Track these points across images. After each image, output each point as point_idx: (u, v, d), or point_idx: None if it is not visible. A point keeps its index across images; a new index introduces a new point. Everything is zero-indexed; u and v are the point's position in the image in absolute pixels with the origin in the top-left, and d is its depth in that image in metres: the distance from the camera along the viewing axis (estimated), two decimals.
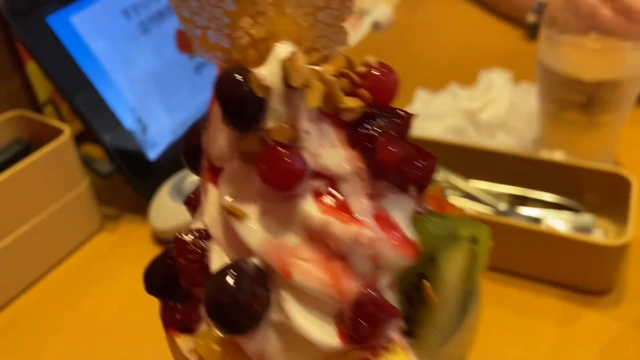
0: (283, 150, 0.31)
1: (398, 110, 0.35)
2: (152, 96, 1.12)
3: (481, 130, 1.13)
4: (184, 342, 0.38)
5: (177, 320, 0.38)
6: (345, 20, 0.34)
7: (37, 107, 1.14)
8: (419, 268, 0.35)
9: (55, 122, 1.01)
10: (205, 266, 0.36)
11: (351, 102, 0.33)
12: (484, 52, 1.54)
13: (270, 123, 0.33)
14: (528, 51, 1.24)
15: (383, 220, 0.34)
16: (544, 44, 0.99)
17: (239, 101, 0.31)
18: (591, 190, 0.95)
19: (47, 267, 0.98)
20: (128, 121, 1.05)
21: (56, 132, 0.99)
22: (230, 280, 0.32)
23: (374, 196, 0.34)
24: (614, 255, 0.83)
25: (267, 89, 0.32)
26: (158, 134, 1.11)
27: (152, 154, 1.09)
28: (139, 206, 1.09)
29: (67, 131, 0.97)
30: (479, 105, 1.13)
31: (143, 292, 0.95)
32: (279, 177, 0.31)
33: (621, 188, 0.90)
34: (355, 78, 0.34)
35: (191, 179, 1.05)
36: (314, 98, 0.32)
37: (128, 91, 1.08)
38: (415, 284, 0.36)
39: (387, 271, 0.35)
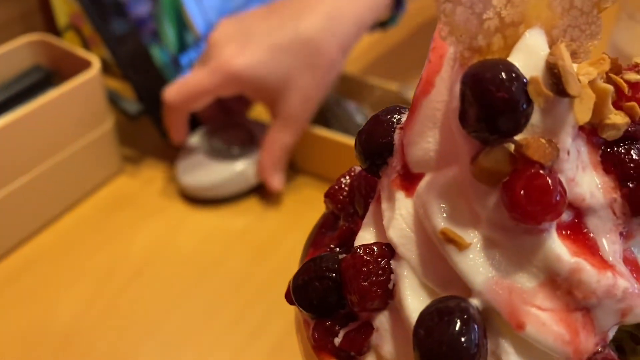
0: (547, 176, 0.25)
1: None
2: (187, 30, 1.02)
3: None
4: None
5: (333, 345, 0.32)
6: (603, 9, 0.27)
7: (56, 32, 1.02)
8: None
9: (81, 52, 0.90)
10: (388, 291, 0.30)
11: (617, 118, 0.26)
12: None
13: (521, 135, 0.26)
14: None
15: (631, 266, 0.28)
16: (619, 23, 0.93)
17: (506, 108, 0.24)
18: None
19: (61, 209, 0.90)
20: (161, 55, 0.95)
21: (80, 63, 0.88)
22: (458, 328, 0.25)
23: (623, 235, 0.28)
24: None
25: (546, 97, 0.25)
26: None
27: None
28: (164, 152, 1.01)
29: (96, 63, 0.87)
30: None
31: (166, 246, 0.90)
32: (539, 208, 0.25)
33: None
34: (625, 87, 0.27)
35: (227, 132, 0.97)
36: (584, 110, 0.25)
37: (166, 22, 0.98)
38: (633, 335, 0.30)
39: (622, 326, 0.29)
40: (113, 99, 0.93)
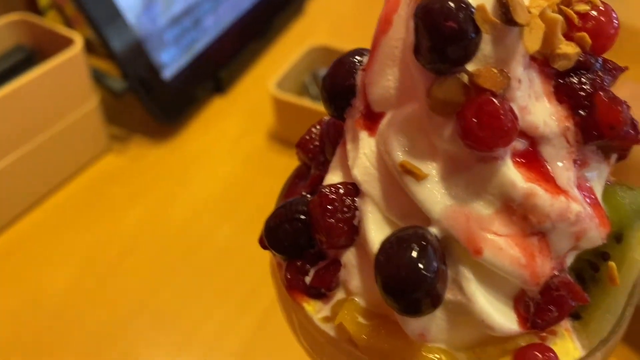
0: (498, 102, 0.25)
1: (608, 61, 0.29)
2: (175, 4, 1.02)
3: None
4: (314, 309, 0.33)
5: (305, 284, 0.33)
6: None
7: (37, 12, 1.02)
8: (601, 246, 0.31)
9: (63, 30, 0.90)
10: (353, 227, 0.31)
11: (568, 48, 0.27)
12: None
13: (474, 65, 0.27)
14: None
15: (585, 192, 0.29)
16: None
17: (455, 36, 0.25)
18: None
19: (49, 188, 0.90)
20: (143, 33, 0.95)
21: (63, 41, 0.88)
22: (415, 253, 0.26)
23: (577, 163, 0.29)
24: None
25: (494, 25, 0.25)
26: (174, 51, 1.02)
27: (167, 73, 1.00)
28: (152, 130, 1.01)
29: (79, 41, 0.87)
30: None
31: (155, 222, 0.91)
32: (491, 134, 0.25)
33: None
34: (575, 18, 0.28)
35: None
36: (534, 40, 0.26)
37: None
38: (593, 263, 0.31)
39: (579, 250, 0.30)
40: (98, 77, 0.93)
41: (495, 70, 0.26)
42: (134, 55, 0.94)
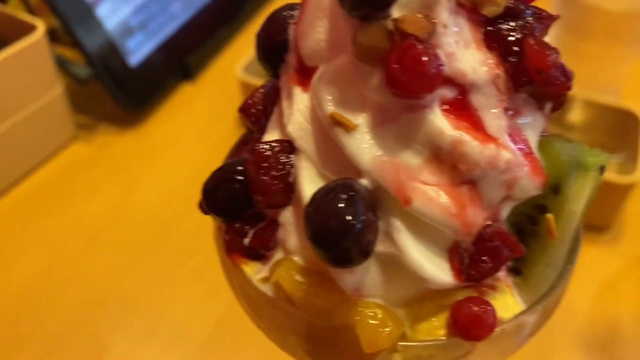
0: (421, 47, 0.25)
1: (539, 9, 0.29)
2: None
3: None
4: (253, 270, 0.32)
5: (244, 246, 0.32)
6: None
7: None
8: (538, 199, 0.30)
9: (25, 16, 0.89)
10: (289, 185, 0.30)
11: None
12: None
13: (399, 11, 0.26)
14: None
15: (518, 141, 0.29)
16: None
17: None
18: (598, 125, 0.93)
19: (15, 177, 0.89)
20: (108, 20, 0.94)
21: (26, 28, 0.87)
22: (343, 202, 0.26)
23: (509, 111, 0.29)
24: (620, 193, 0.82)
25: None
26: (141, 38, 1.01)
27: (133, 60, 0.99)
28: (118, 117, 1.00)
29: (41, 27, 0.86)
30: None
31: (123, 209, 0.90)
32: (414, 80, 0.25)
33: (630, 125, 0.88)
34: None
35: None
36: None
37: None
38: (531, 216, 0.31)
39: (512, 201, 0.30)
40: (62, 64, 0.92)
41: (419, 16, 0.26)
42: (99, 42, 0.93)
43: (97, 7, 0.93)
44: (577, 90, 0.96)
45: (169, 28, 1.05)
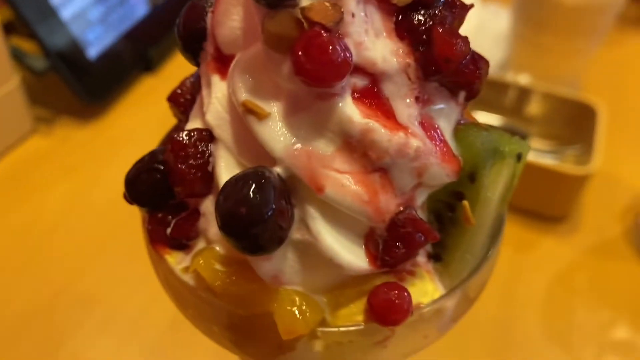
0: (327, 35, 0.25)
1: None
2: None
3: None
4: (176, 260, 0.32)
5: (167, 236, 0.32)
6: None
7: None
8: (455, 186, 0.31)
9: None
10: (208, 174, 0.30)
11: None
12: None
13: (310, 1, 0.26)
14: None
15: (429, 129, 0.29)
16: None
17: None
18: (556, 117, 0.94)
19: None
20: (66, 11, 0.93)
21: None
22: (253, 190, 0.26)
23: (421, 100, 0.29)
24: (576, 184, 0.84)
25: None
26: (100, 30, 0.99)
27: (92, 52, 0.98)
28: (77, 111, 0.99)
29: None
30: None
31: (81, 202, 0.89)
32: (321, 68, 0.25)
33: (586, 116, 0.90)
34: None
35: None
36: None
37: None
38: (449, 204, 0.31)
39: (426, 188, 0.30)
40: (18, 56, 0.91)
41: (327, 4, 0.26)
42: (56, 33, 0.92)
43: (56, 2, 0.92)
44: (536, 83, 0.98)
45: (130, 20, 1.04)
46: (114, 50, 1.01)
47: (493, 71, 1.07)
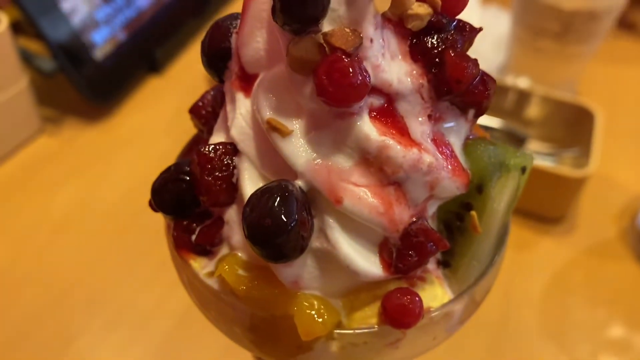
0: (347, 60, 0.27)
1: (463, 22, 0.31)
2: None
3: None
4: (200, 265, 0.34)
5: (191, 242, 0.34)
6: None
7: None
8: (464, 197, 0.33)
9: None
10: (232, 185, 0.32)
11: (420, 9, 0.29)
12: None
13: (329, 26, 0.28)
14: None
15: (441, 145, 0.31)
16: None
17: None
18: (554, 120, 0.96)
19: None
20: (73, 13, 0.94)
21: None
22: (278, 203, 0.28)
23: (433, 118, 0.31)
24: (573, 186, 0.85)
25: None
26: (107, 31, 1.01)
27: (99, 53, 0.99)
28: (84, 111, 1.00)
29: (4, 20, 0.86)
30: None
31: (88, 202, 0.91)
32: (341, 90, 0.27)
33: (584, 119, 0.92)
34: None
35: None
36: (384, 1, 0.27)
37: None
38: (458, 214, 0.33)
39: (437, 200, 0.32)
40: (27, 57, 0.92)
41: (347, 30, 0.28)
42: (64, 35, 0.93)
43: (62, 1, 0.93)
44: (535, 86, 1.00)
45: (136, 22, 1.05)
46: (120, 51, 1.02)
47: (493, 74, 1.09)
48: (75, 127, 0.99)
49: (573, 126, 0.94)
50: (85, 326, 0.73)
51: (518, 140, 0.99)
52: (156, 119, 1.01)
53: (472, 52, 1.10)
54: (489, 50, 1.11)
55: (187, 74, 1.08)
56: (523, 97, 0.97)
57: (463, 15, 1.12)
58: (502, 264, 0.90)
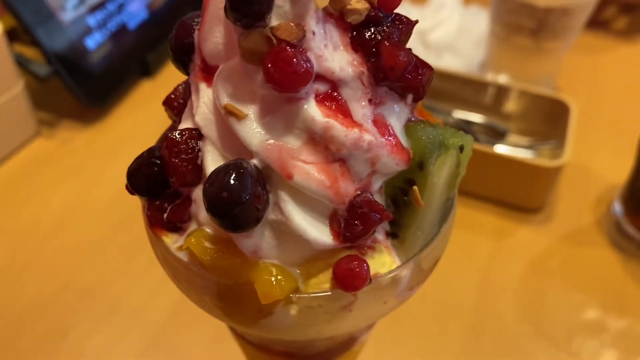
0: (291, 50, 0.31)
1: (401, 16, 0.35)
2: None
3: (429, 51, 1.14)
4: (172, 240, 0.38)
5: (164, 220, 0.38)
6: None
7: None
8: (407, 173, 0.37)
9: None
10: (197, 166, 0.36)
11: (358, 4, 0.32)
12: None
13: (276, 21, 0.32)
14: None
15: (381, 126, 0.35)
16: None
17: None
18: (532, 114, 1.00)
19: None
20: (67, 19, 0.98)
21: None
22: (233, 178, 0.31)
23: (373, 102, 0.35)
24: (549, 176, 0.89)
25: None
26: (99, 36, 1.05)
27: (93, 58, 1.03)
28: (78, 113, 1.04)
29: (0, 27, 0.90)
30: (430, 26, 1.14)
31: (84, 202, 0.94)
32: (286, 77, 0.31)
33: (561, 113, 0.95)
34: None
35: None
36: None
37: None
38: (403, 189, 0.37)
39: (381, 175, 0.36)
40: (22, 63, 0.96)
41: (292, 24, 0.31)
42: (58, 42, 0.97)
43: (56, 7, 0.97)
44: (513, 82, 1.03)
45: (128, 26, 1.09)
46: (114, 56, 1.06)
47: (474, 71, 1.12)
48: (71, 130, 1.03)
49: (550, 119, 0.98)
50: (81, 318, 0.76)
51: (498, 135, 1.03)
52: (148, 121, 1.05)
53: (453, 51, 1.14)
54: (470, 48, 1.15)
55: (177, 78, 1.11)
56: (502, 92, 1.00)
57: (445, 16, 1.16)
58: (482, 251, 0.93)
